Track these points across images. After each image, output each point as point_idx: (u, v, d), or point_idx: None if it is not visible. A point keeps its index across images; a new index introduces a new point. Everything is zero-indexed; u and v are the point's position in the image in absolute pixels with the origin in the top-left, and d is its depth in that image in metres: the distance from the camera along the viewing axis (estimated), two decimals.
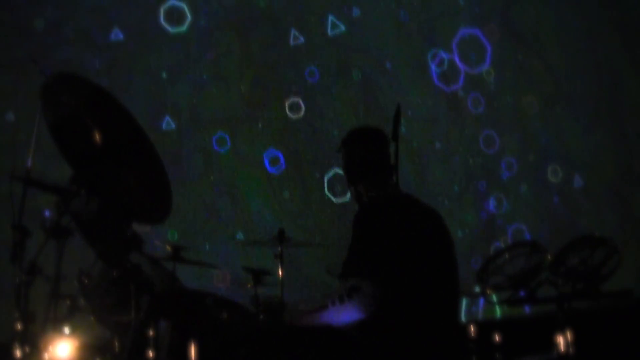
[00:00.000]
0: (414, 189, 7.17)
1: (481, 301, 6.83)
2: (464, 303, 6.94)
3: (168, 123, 6.79)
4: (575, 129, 7.99)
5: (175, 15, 6.99)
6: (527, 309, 6.83)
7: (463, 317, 6.73)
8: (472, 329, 4.24)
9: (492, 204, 7.53)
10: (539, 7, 8.01)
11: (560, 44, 8.03)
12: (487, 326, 4.55)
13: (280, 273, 5.07)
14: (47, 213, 3.63)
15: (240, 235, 6.70)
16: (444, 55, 7.60)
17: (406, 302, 3.13)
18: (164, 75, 6.91)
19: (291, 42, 7.24)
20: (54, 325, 3.45)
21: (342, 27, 7.35)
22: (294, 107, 7.15)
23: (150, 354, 3.57)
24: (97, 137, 3.60)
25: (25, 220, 3.40)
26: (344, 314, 3.11)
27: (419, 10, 7.66)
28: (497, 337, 4.38)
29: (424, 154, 7.48)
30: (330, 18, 7.33)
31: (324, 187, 7.04)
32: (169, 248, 4.67)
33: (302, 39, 7.23)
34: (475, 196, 7.55)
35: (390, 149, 3.52)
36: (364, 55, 7.44)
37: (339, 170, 6.94)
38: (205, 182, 6.89)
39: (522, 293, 4.09)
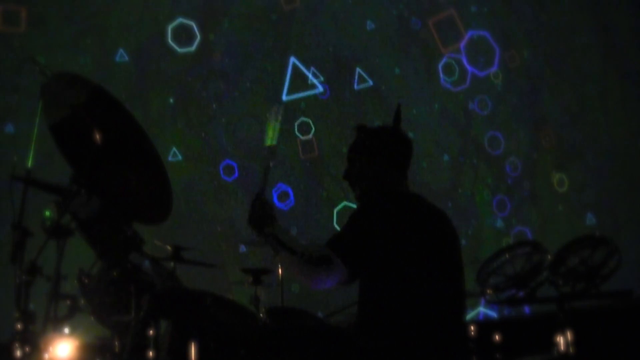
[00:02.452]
0: (418, 190, 7.18)
1: (482, 301, 6.83)
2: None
3: (174, 154, 6.70)
4: (579, 129, 8.01)
5: (183, 35, 6.89)
6: (527, 309, 6.83)
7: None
8: (472, 329, 4.24)
9: (495, 206, 7.52)
10: (546, 8, 8.02)
11: (567, 44, 8.05)
12: (487, 326, 4.55)
13: (280, 273, 5.08)
14: (47, 214, 3.62)
15: (243, 248, 6.63)
16: (452, 58, 7.60)
17: (405, 299, 3.11)
18: (171, 100, 6.84)
19: (310, 78, 7.16)
20: (54, 325, 3.44)
21: (370, 82, 7.29)
22: (304, 127, 7.08)
23: (150, 354, 3.57)
24: (97, 137, 3.59)
25: (25, 220, 3.40)
26: (303, 274, 3.15)
27: (430, 16, 7.65)
28: (497, 337, 4.38)
29: (429, 155, 7.47)
30: (358, 70, 7.27)
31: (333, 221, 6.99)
32: (169, 248, 4.67)
33: (321, 77, 7.17)
34: (479, 198, 7.54)
35: (409, 153, 3.45)
36: (373, 64, 7.40)
37: (349, 203, 6.91)
38: (208, 213, 6.81)
39: (521, 294, 4.09)
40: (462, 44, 7.65)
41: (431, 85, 7.57)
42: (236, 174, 6.85)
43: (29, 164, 3.55)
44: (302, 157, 7.06)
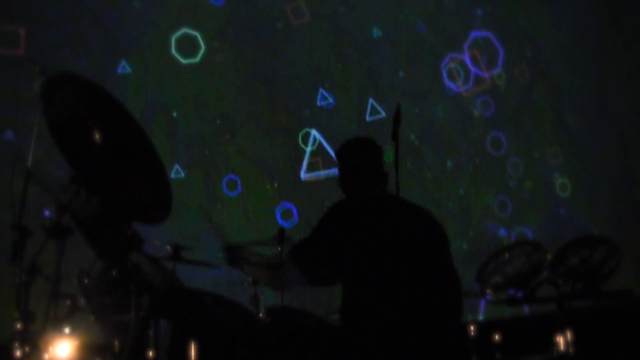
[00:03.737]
0: (419, 191, 7.17)
1: (482, 301, 6.82)
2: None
3: (177, 171, 6.49)
4: (582, 128, 8.00)
5: (187, 46, 6.68)
6: (526, 309, 6.83)
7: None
8: (472, 329, 4.24)
9: (496, 207, 7.51)
10: (547, 10, 8.01)
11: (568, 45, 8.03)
12: (487, 326, 4.55)
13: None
14: (47, 213, 3.62)
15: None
16: (457, 60, 7.57)
17: (373, 298, 3.14)
18: (175, 114, 6.63)
19: (318, 102, 7.07)
20: (54, 325, 3.44)
21: (383, 113, 7.18)
22: (308, 138, 6.93)
23: (150, 354, 3.57)
24: (97, 137, 3.60)
25: (25, 220, 3.40)
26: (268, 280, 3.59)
27: (437, 20, 7.60)
28: (497, 337, 4.38)
29: (432, 156, 7.44)
30: (371, 101, 7.18)
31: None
32: (169, 248, 4.67)
33: (332, 101, 7.08)
34: (481, 199, 7.53)
35: (383, 156, 3.67)
36: (380, 70, 7.33)
37: None
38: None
39: (519, 294, 4.09)
40: (466, 45, 7.64)
41: (435, 88, 7.53)
42: (239, 189, 6.77)
43: (29, 164, 3.55)
44: (307, 179, 6.93)
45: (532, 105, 7.91)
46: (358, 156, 3.63)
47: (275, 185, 6.80)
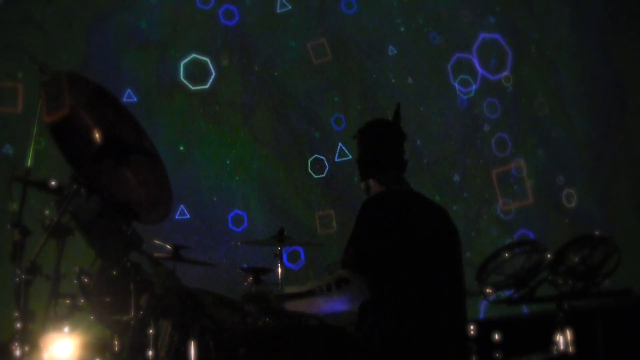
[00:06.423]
0: (423, 192, 7.16)
1: (483, 302, 6.83)
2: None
3: (182, 212, 6.32)
4: (588, 128, 8.00)
5: (197, 72, 6.47)
6: (525, 309, 6.84)
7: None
8: (472, 328, 4.24)
9: (499, 208, 7.51)
10: (554, 11, 7.99)
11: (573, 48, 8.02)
12: (487, 325, 4.55)
13: (279, 272, 5.08)
14: (47, 213, 3.63)
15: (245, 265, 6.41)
16: (462, 60, 7.55)
17: (406, 299, 3.12)
18: (181, 148, 6.49)
19: (336, 158, 6.88)
20: (53, 324, 3.45)
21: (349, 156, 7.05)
22: (317, 165, 6.77)
23: (150, 353, 3.57)
24: (97, 136, 3.60)
25: (25, 220, 3.40)
26: (330, 304, 3.16)
27: (449, 28, 7.58)
28: (497, 337, 4.38)
29: (434, 159, 7.44)
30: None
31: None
32: (169, 247, 4.67)
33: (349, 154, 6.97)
34: (484, 200, 7.53)
35: (404, 145, 3.50)
36: (388, 76, 7.29)
37: None
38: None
39: (516, 295, 4.08)
40: (474, 47, 7.61)
41: (443, 90, 7.52)
42: (245, 224, 6.57)
43: (29, 164, 3.55)
44: (319, 232, 6.71)
45: (537, 107, 7.90)
46: (382, 141, 3.46)
47: (285, 232, 6.63)
